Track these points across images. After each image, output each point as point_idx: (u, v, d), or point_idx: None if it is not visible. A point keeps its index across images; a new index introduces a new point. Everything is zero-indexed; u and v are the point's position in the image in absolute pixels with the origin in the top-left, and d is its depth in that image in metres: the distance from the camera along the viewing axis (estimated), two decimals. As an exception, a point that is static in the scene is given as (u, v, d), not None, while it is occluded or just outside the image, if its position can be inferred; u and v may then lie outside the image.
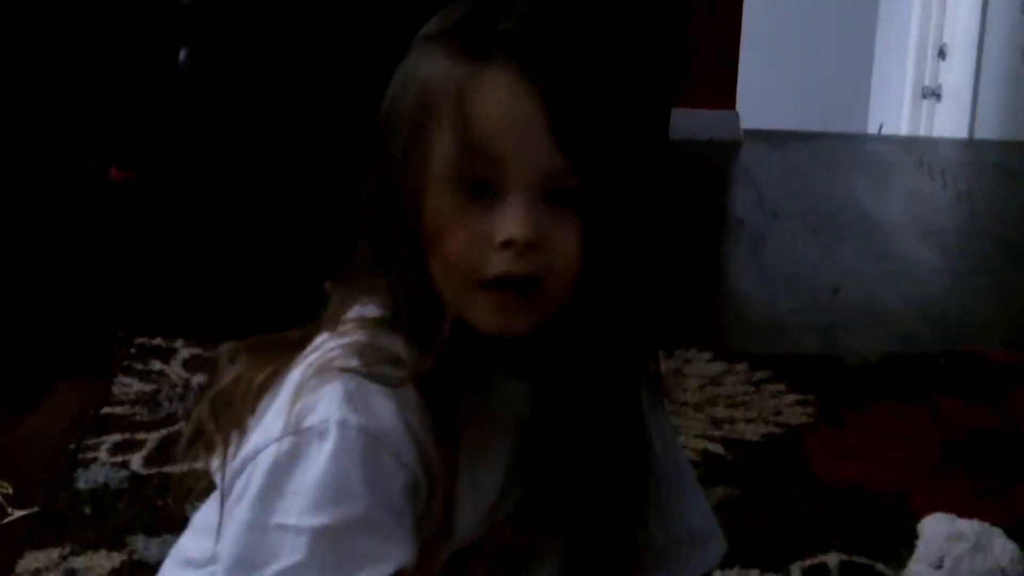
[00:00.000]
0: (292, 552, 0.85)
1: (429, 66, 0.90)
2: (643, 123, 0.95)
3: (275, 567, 0.85)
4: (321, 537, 0.85)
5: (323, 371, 0.89)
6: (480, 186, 0.88)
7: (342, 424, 0.86)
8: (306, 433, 0.87)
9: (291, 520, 0.85)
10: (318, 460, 0.86)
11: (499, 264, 0.87)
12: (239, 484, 0.90)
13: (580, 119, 0.88)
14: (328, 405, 0.87)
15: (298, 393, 0.89)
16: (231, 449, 0.92)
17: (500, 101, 0.87)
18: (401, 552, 0.86)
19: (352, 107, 1.01)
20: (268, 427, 0.90)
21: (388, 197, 0.91)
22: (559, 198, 0.89)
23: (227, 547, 0.88)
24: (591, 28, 0.93)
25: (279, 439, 0.87)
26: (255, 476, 0.88)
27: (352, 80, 2.43)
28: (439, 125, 0.88)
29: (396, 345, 0.91)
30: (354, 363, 0.89)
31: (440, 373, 0.90)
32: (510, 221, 0.87)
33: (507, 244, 0.87)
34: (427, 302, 0.90)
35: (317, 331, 0.94)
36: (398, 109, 0.91)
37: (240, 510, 0.88)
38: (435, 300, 0.90)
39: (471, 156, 0.87)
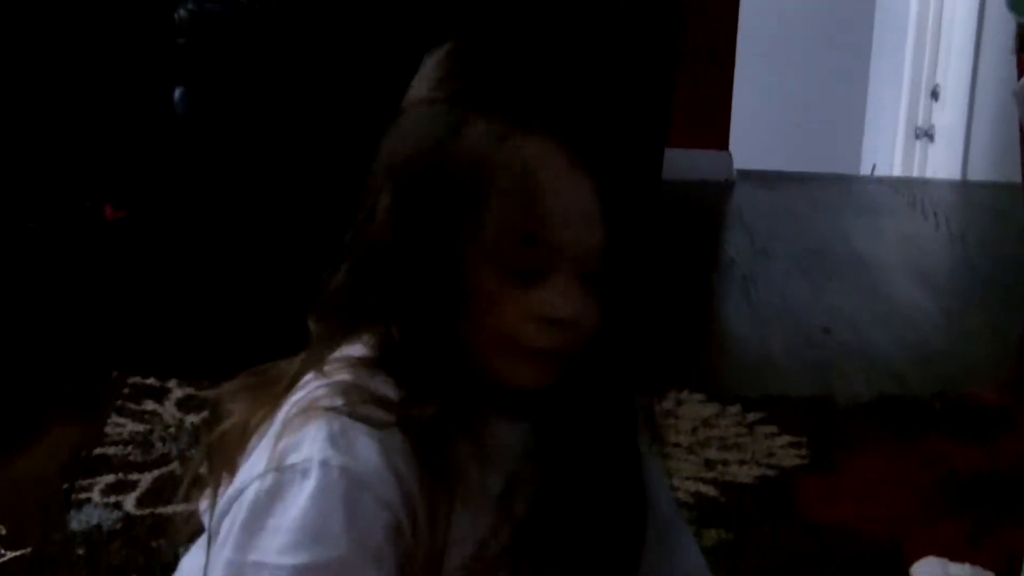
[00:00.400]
0: None
1: (478, 138, 0.90)
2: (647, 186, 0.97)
3: None
4: None
5: (308, 410, 0.90)
6: (531, 270, 0.90)
7: (324, 464, 0.86)
8: (288, 471, 0.87)
9: (270, 558, 0.86)
10: (298, 499, 0.86)
11: (543, 339, 0.91)
12: (225, 524, 0.90)
13: (623, 204, 0.91)
14: (311, 444, 0.88)
15: (282, 431, 0.89)
16: (220, 489, 0.93)
17: (566, 192, 0.89)
18: None
19: (345, 147, 1.01)
20: (253, 465, 0.90)
21: (413, 259, 0.91)
22: (590, 276, 0.92)
23: None
24: (613, 98, 0.95)
25: (262, 476, 0.88)
26: (239, 514, 0.88)
27: (346, 120, 2.44)
28: (497, 206, 0.89)
29: (382, 385, 0.91)
30: (339, 403, 0.90)
31: (434, 416, 0.90)
32: (560, 302, 0.90)
33: (554, 322, 0.90)
34: (446, 358, 0.91)
35: (304, 368, 0.94)
36: (435, 173, 0.90)
37: (224, 548, 0.88)
38: (454, 356, 0.91)
39: (531, 243, 0.90)
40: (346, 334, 0.95)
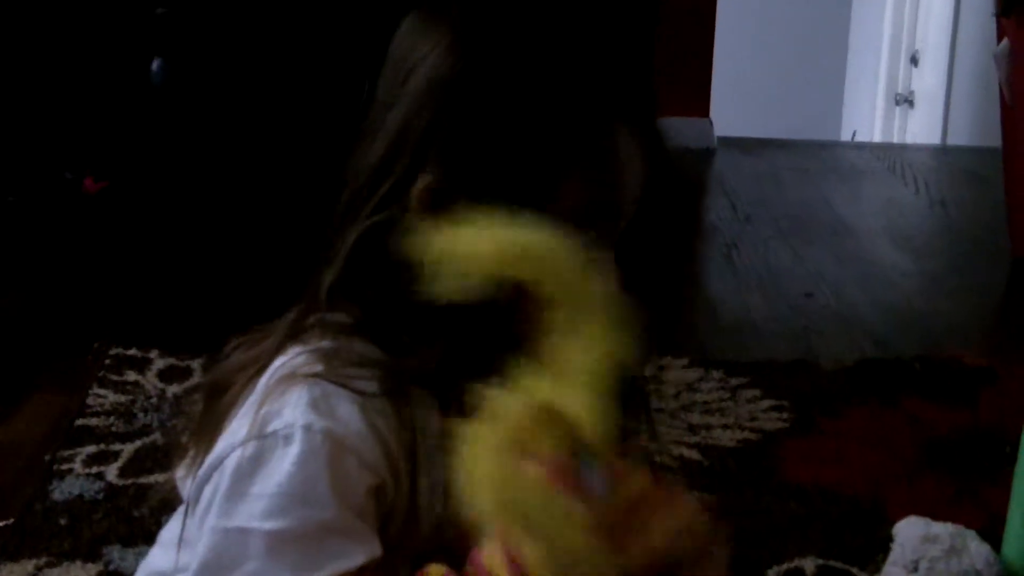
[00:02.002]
0: (257, 555, 0.85)
1: (551, 114, 0.91)
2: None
3: (241, 570, 0.85)
4: (285, 540, 0.85)
5: (289, 377, 0.90)
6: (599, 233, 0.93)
7: (307, 428, 0.87)
8: (270, 438, 0.87)
9: (254, 523, 0.86)
10: (282, 465, 0.86)
11: None
12: (207, 492, 0.90)
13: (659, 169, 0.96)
14: (293, 410, 0.88)
15: (263, 399, 0.89)
16: (199, 459, 0.93)
17: (633, 164, 0.94)
18: (366, 548, 0.87)
19: (324, 117, 1.00)
20: (233, 433, 0.90)
21: None
22: None
23: (197, 553, 0.88)
24: (635, 67, 0.97)
25: (243, 443, 0.87)
26: (222, 481, 0.88)
27: (326, 88, 2.43)
28: (580, 180, 0.91)
29: (363, 350, 0.91)
30: (319, 368, 0.89)
31: (414, 379, 0.90)
32: (607, 269, 0.92)
33: None
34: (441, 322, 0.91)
35: (284, 336, 0.94)
36: (505, 152, 0.90)
37: (208, 516, 0.88)
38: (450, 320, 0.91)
39: (610, 212, 0.94)
40: (328, 301, 0.94)
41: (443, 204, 0.89)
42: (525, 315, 0.83)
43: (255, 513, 0.86)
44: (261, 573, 0.85)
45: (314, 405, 0.88)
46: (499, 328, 0.87)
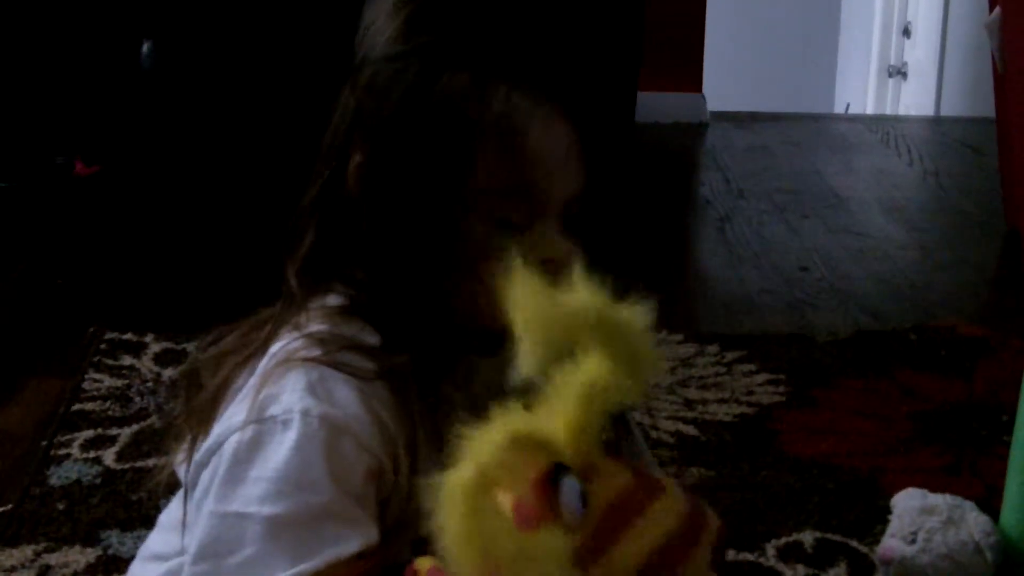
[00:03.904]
0: (255, 540, 0.85)
1: (458, 92, 0.90)
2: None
3: (240, 555, 0.85)
4: (283, 524, 0.85)
5: (286, 361, 0.90)
6: (522, 218, 0.91)
7: (305, 413, 0.87)
8: (268, 422, 0.87)
9: (252, 508, 0.85)
10: (280, 449, 0.86)
11: None
12: (205, 476, 0.90)
13: (592, 144, 0.93)
14: (291, 395, 0.88)
15: (261, 383, 0.89)
16: (196, 443, 0.93)
17: (550, 141, 0.90)
18: (364, 533, 0.87)
19: (317, 97, 1.00)
20: (231, 417, 0.90)
21: (397, 215, 0.91)
22: (569, 217, 0.94)
23: (195, 538, 0.88)
24: (584, 43, 0.96)
25: (242, 428, 0.87)
26: (220, 466, 0.88)
27: (316, 69, 2.42)
28: (485, 161, 0.90)
29: (359, 333, 0.91)
30: (316, 352, 0.89)
31: (412, 362, 0.90)
32: (551, 246, 0.91)
33: (545, 263, 0.89)
34: (426, 307, 0.91)
35: (280, 320, 0.94)
36: (417, 131, 0.90)
37: (207, 501, 0.88)
38: (434, 304, 0.91)
39: (521, 194, 0.90)
40: (320, 286, 0.94)
41: (374, 182, 0.90)
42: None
43: (253, 498, 0.86)
44: (259, 557, 0.85)
45: (311, 389, 0.88)
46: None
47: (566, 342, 0.74)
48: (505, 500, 0.72)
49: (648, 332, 0.77)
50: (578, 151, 0.92)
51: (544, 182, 0.91)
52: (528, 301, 0.75)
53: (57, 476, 1.65)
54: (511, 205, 0.90)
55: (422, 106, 0.90)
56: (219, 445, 0.89)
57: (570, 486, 0.74)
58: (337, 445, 0.87)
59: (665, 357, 0.75)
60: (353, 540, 0.86)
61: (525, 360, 0.74)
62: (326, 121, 0.96)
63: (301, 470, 0.86)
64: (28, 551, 1.48)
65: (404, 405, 0.90)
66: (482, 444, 0.72)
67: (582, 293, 0.75)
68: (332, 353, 0.90)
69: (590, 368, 0.74)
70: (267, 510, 0.85)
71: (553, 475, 0.74)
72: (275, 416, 0.87)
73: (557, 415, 0.74)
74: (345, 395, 0.88)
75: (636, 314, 0.77)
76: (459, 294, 0.91)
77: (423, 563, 0.80)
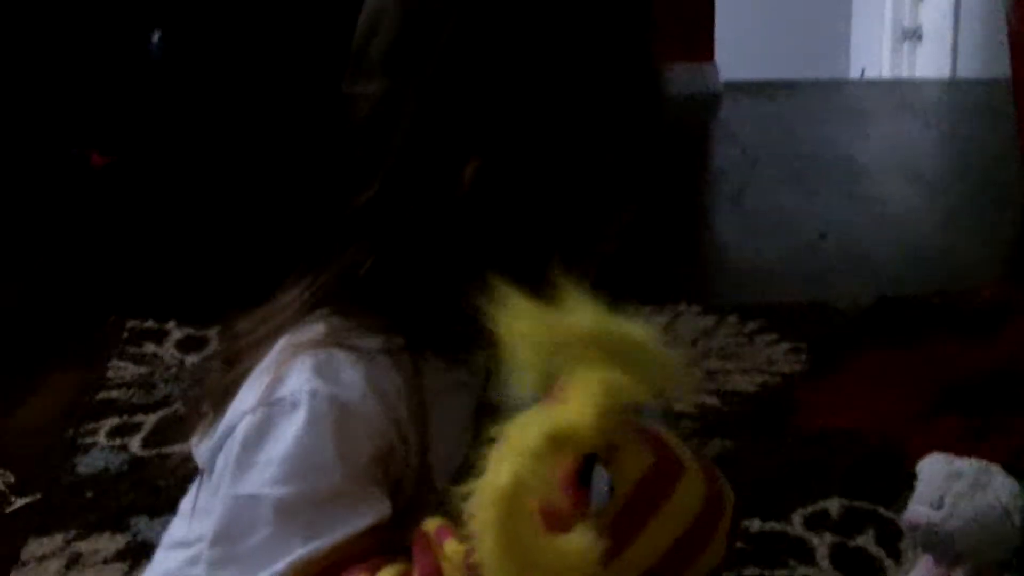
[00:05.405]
0: (268, 521, 0.86)
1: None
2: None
3: (254, 537, 0.86)
4: (295, 505, 0.86)
5: (294, 345, 0.90)
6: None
7: (312, 394, 0.87)
8: (277, 405, 0.87)
9: (264, 490, 0.86)
10: (289, 431, 0.86)
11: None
12: (220, 460, 0.90)
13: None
14: (298, 377, 0.88)
15: (270, 367, 0.90)
16: (212, 428, 0.93)
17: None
18: (376, 508, 0.87)
19: (325, 85, 0.99)
20: (242, 401, 0.91)
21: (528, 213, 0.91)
22: None
23: (212, 521, 0.89)
24: None
25: (252, 411, 0.88)
26: (232, 449, 0.88)
27: (327, 55, 2.42)
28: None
29: (367, 318, 0.91)
30: (324, 335, 0.90)
31: (416, 342, 0.91)
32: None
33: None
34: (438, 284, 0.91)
35: (292, 307, 0.94)
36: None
37: (222, 485, 0.89)
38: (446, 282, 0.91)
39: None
40: (365, 283, 0.94)
41: (492, 185, 0.89)
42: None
43: (264, 480, 0.86)
44: (272, 539, 0.85)
45: (319, 371, 0.88)
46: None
47: (560, 362, 0.74)
48: (535, 504, 0.72)
49: (650, 341, 0.76)
50: None
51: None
52: (520, 322, 0.74)
53: (84, 464, 1.66)
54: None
55: (553, 104, 0.90)
56: (231, 429, 0.90)
57: (600, 477, 0.74)
58: (345, 425, 0.87)
59: (680, 360, 0.74)
60: (366, 515, 0.86)
61: (519, 381, 0.74)
62: (342, 110, 0.95)
63: (310, 451, 0.86)
64: (58, 539, 1.49)
65: (414, 388, 0.90)
66: (514, 447, 0.72)
67: (576, 312, 0.75)
68: (340, 336, 0.90)
69: (602, 372, 0.74)
70: (278, 492, 0.86)
71: (584, 468, 0.74)
72: (283, 398, 0.88)
73: (578, 403, 0.74)
74: (352, 376, 0.89)
75: (633, 327, 0.76)
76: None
77: (431, 523, 0.81)
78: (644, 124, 0.96)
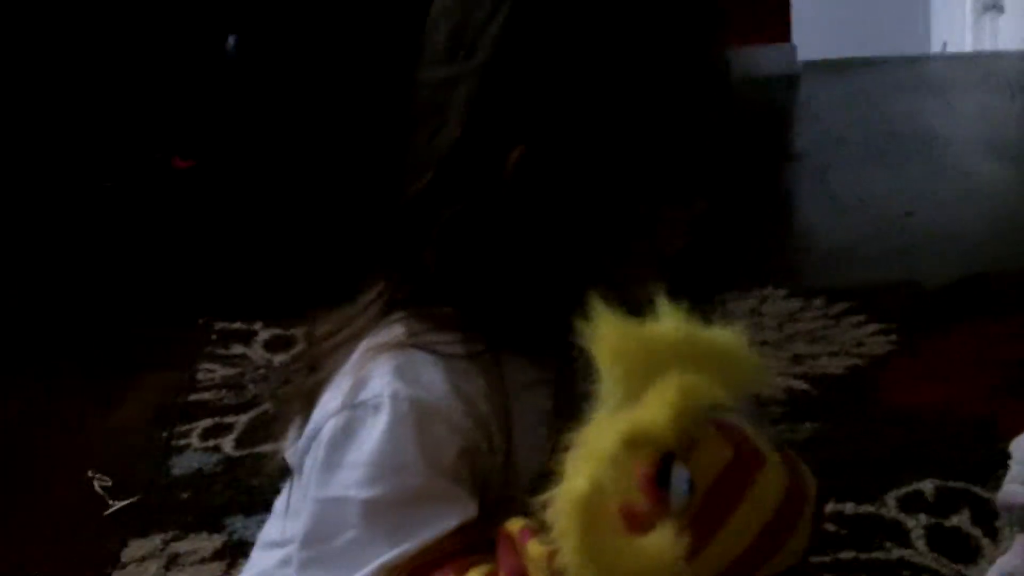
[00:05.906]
0: (354, 524, 0.86)
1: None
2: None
3: (342, 539, 0.87)
4: (380, 507, 0.86)
5: (376, 347, 0.91)
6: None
7: (394, 397, 0.87)
8: (360, 407, 0.88)
9: (350, 493, 0.87)
10: (372, 434, 0.87)
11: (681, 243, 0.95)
12: (307, 463, 0.91)
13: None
14: (380, 379, 0.88)
15: (353, 369, 0.90)
16: (300, 430, 0.94)
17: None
18: (462, 509, 0.87)
19: (401, 85, 0.99)
20: (326, 404, 0.91)
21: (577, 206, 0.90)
22: None
23: (302, 523, 0.90)
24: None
25: (336, 414, 0.89)
26: (318, 452, 0.89)
27: (401, 50, 2.43)
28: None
29: (446, 317, 0.91)
30: (404, 337, 0.90)
31: (497, 341, 0.91)
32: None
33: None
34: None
35: (379, 312, 0.94)
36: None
37: (309, 488, 0.90)
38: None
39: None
40: (432, 282, 0.94)
41: (537, 174, 0.89)
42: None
43: (349, 483, 0.87)
44: (359, 541, 0.86)
45: (399, 373, 0.88)
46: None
47: (652, 374, 0.74)
48: (615, 507, 0.73)
49: (738, 347, 0.76)
50: None
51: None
52: (609, 336, 0.74)
53: (179, 466, 1.68)
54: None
55: (602, 92, 0.89)
56: (317, 431, 0.91)
57: (679, 475, 0.74)
58: (428, 426, 0.87)
59: (768, 368, 0.74)
60: (451, 517, 0.86)
61: (611, 394, 0.74)
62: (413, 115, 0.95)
63: (394, 453, 0.87)
64: (157, 540, 1.51)
65: (495, 386, 0.91)
66: (591, 452, 0.72)
67: (662, 322, 0.75)
68: (419, 336, 0.90)
69: (684, 376, 0.74)
70: (364, 494, 0.86)
71: (662, 467, 0.74)
72: (366, 401, 0.88)
73: (653, 404, 0.73)
74: (432, 377, 0.89)
75: (721, 333, 0.76)
76: (603, 268, 0.90)
77: (514, 524, 0.80)
78: (707, 117, 0.94)
